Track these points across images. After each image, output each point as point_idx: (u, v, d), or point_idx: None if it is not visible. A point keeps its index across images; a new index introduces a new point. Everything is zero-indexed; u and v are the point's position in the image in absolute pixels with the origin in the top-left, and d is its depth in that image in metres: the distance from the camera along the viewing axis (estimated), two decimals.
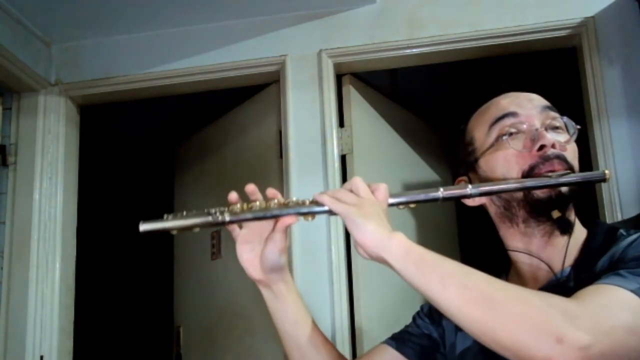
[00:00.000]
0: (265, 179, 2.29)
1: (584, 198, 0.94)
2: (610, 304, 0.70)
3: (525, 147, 0.89)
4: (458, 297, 0.72)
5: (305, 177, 2.08)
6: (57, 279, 2.14)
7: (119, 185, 3.62)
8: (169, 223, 0.84)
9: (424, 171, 2.58)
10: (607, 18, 1.95)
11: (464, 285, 0.72)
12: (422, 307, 1.08)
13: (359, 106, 2.26)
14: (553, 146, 0.88)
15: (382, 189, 0.87)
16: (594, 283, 0.75)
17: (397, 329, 1.08)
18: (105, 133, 3.22)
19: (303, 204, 0.87)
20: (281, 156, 2.18)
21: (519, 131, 0.90)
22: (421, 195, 0.88)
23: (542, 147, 0.88)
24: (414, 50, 2.11)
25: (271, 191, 0.89)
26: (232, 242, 0.93)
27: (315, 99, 2.12)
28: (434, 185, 0.90)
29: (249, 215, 0.86)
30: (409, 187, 2.43)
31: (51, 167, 2.20)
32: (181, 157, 2.93)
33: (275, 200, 0.87)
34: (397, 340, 1.03)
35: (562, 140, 0.89)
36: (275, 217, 0.88)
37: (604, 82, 1.92)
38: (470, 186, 0.88)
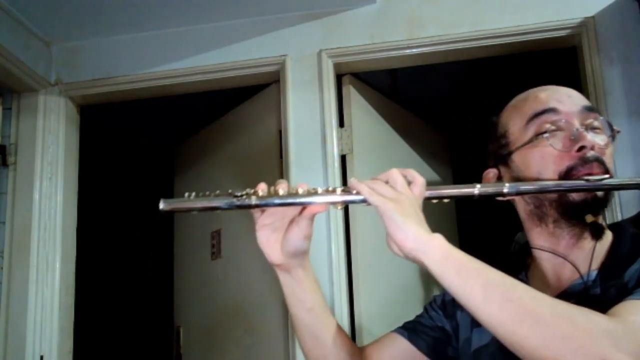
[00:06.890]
0: (265, 179, 2.29)
1: None
2: None
3: (564, 147, 0.87)
4: (500, 310, 0.70)
5: (305, 177, 2.07)
6: (57, 279, 2.14)
7: (119, 185, 3.62)
8: (191, 203, 0.80)
9: (424, 171, 2.55)
10: (607, 18, 1.95)
11: (507, 298, 0.70)
12: (434, 299, 1.06)
13: (359, 106, 2.26)
14: (592, 148, 0.86)
15: (420, 184, 0.84)
16: (629, 297, 0.74)
17: None
18: (105, 133, 3.22)
19: (333, 191, 0.82)
20: (281, 156, 2.18)
21: (559, 129, 0.88)
22: (456, 190, 0.87)
23: (581, 148, 0.86)
24: (414, 50, 2.11)
25: (301, 184, 0.86)
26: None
27: (315, 99, 2.12)
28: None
29: (276, 201, 0.82)
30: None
31: (51, 167, 2.20)
32: (181, 157, 2.93)
33: (305, 188, 0.83)
34: (410, 331, 1.01)
35: (601, 143, 0.88)
36: (304, 205, 0.83)
37: (604, 82, 1.92)
38: (507, 185, 0.86)
